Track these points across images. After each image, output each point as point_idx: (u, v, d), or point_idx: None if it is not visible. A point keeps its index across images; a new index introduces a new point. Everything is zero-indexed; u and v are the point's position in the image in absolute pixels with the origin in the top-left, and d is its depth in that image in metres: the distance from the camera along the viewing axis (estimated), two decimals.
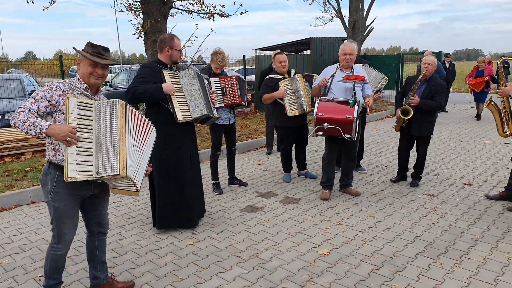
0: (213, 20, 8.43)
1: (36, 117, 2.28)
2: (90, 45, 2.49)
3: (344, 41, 5.48)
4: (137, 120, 2.57)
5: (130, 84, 3.63)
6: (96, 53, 2.45)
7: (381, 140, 8.04)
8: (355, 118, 4.15)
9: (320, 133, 4.31)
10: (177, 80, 3.67)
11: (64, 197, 2.43)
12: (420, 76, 4.73)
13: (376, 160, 6.42)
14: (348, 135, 4.23)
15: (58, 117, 2.36)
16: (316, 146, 7.44)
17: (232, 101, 4.68)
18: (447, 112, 11.60)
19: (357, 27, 12.56)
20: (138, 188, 2.47)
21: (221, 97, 4.64)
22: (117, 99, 2.44)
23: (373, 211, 4.31)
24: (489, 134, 8.26)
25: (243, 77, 9.21)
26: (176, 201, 3.82)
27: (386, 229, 3.84)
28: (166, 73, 3.62)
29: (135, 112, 2.55)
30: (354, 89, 4.34)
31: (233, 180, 5.26)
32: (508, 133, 4.30)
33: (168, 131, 3.68)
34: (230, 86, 4.66)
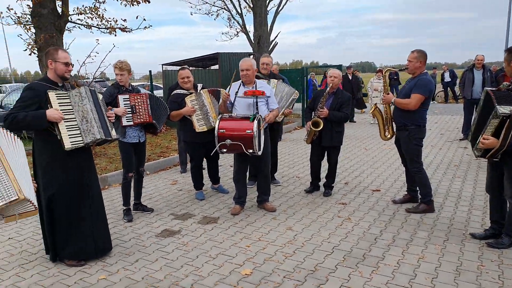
0: (115, 35, 8.02)
1: None
2: None
3: (251, 56, 5.53)
4: (6, 136, 2.46)
5: (12, 107, 3.19)
6: None
7: (292, 152, 8.26)
8: (255, 133, 4.15)
9: (224, 150, 4.30)
10: (67, 100, 3.28)
11: None
12: (328, 89, 4.94)
13: (289, 172, 6.54)
14: (250, 150, 4.22)
15: None
16: (231, 161, 7.35)
17: (141, 120, 4.40)
18: (355, 122, 12.34)
19: (262, 42, 12.97)
20: (36, 206, 2.36)
21: (130, 115, 4.32)
22: None
23: (291, 223, 4.32)
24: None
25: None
26: (73, 234, 3.45)
27: (305, 242, 3.86)
28: (52, 94, 3.22)
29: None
30: (256, 104, 4.43)
31: (137, 205, 4.84)
32: (388, 136, 4.70)
33: (58, 160, 3.30)
34: (140, 104, 4.37)
